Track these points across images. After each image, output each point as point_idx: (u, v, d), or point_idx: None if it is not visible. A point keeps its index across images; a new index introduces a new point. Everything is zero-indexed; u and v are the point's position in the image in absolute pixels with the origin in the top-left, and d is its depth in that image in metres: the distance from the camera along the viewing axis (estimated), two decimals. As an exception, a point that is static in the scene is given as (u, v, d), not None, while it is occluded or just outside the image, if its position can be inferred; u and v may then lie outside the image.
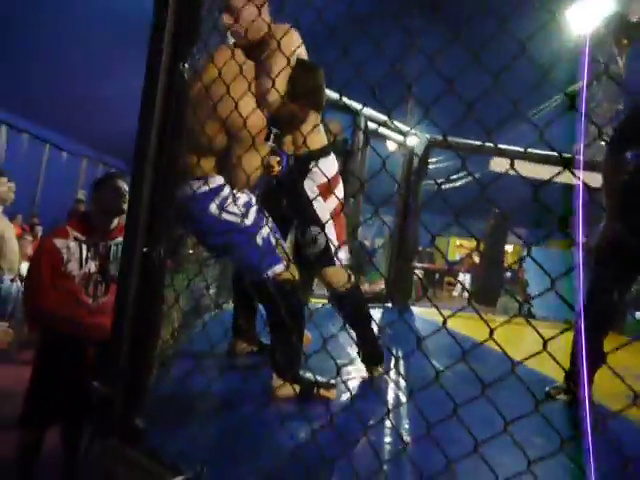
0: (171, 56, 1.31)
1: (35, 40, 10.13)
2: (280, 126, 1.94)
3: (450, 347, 0.93)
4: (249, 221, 1.86)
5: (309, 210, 2.11)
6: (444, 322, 0.90)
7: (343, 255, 2.17)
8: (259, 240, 1.85)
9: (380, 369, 2.25)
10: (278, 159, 1.99)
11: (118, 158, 17.18)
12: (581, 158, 5.03)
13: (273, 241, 1.88)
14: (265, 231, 1.87)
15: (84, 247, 2.50)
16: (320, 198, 2.09)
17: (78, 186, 15.15)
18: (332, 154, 2.22)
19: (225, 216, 1.85)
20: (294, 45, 1.89)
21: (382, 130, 5.21)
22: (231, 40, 2.05)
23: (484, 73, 0.92)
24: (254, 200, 1.93)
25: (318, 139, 2.16)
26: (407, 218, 5.64)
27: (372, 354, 2.24)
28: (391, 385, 2.23)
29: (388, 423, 1.67)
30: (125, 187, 2.62)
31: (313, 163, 2.09)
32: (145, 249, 1.25)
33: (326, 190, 2.11)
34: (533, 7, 0.88)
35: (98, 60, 10.91)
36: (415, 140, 5.64)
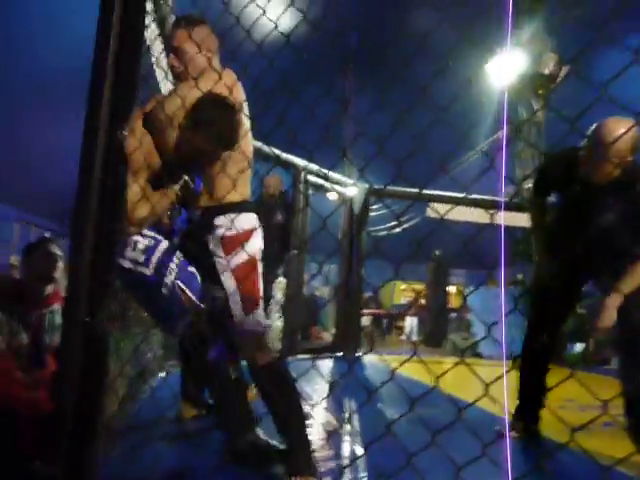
0: (109, 121, 1.32)
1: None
2: (187, 167, 1.88)
3: (402, 392, 0.95)
4: (150, 270, 1.73)
5: (209, 267, 1.85)
6: (392, 372, 0.93)
7: (254, 318, 1.80)
8: (164, 290, 1.73)
9: None
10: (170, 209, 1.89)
11: (48, 219, 16.59)
12: (502, 200, 5.33)
13: (179, 290, 1.74)
14: (170, 279, 1.74)
15: (14, 318, 2.34)
16: (221, 254, 1.82)
17: (10, 251, 14.47)
18: (249, 213, 1.91)
19: (127, 264, 1.73)
20: (216, 81, 1.69)
21: (322, 182, 5.34)
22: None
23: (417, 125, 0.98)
24: (159, 244, 1.81)
25: (234, 192, 1.83)
26: (351, 266, 5.72)
27: (299, 459, 1.72)
28: (347, 439, 2.21)
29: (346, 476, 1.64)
30: (58, 252, 2.52)
31: (219, 218, 1.84)
32: (87, 318, 1.21)
33: (232, 245, 1.82)
34: (455, 60, 0.95)
35: (26, 117, 10.68)
36: (355, 190, 5.80)
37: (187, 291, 1.79)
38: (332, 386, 2.82)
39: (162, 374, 3.24)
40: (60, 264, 2.54)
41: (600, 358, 7.23)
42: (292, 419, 1.75)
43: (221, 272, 1.80)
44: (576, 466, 1.61)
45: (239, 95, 1.87)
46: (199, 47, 1.82)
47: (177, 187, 1.88)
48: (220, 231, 1.82)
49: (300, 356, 4.93)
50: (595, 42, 0.82)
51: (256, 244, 1.87)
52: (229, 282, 1.79)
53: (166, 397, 1.69)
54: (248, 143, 1.94)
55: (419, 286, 15.93)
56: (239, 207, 1.86)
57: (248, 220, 1.87)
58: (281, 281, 5.01)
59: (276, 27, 1.52)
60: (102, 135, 1.30)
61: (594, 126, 2.19)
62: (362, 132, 1.11)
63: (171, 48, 1.93)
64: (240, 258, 1.80)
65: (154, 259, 1.74)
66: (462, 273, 17.48)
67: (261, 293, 1.85)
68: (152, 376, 3.06)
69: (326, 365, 4.79)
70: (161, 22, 2.30)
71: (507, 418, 2.23)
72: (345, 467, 1.73)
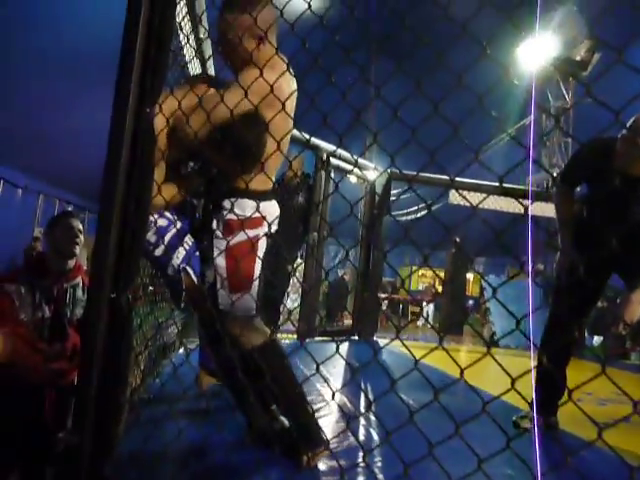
0: (138, 100, 1.33)
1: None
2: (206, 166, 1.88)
3: (421, 379, 0.95)
4: (159, 251, 1.77)
5: (208, 246, 1.85)
6: (416, 362, 0.93)
7: (240, 299, 1.75)
8: (170, 271, 1.78)
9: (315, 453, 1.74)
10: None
11: (73, 193, 16.84)
12: (530, 188, 5.25)
13: (184, 274, 1.78)
14: (176, 262, 1.77)
15: (37, 291, 2.39)
16: (220, 233, 1.82)
17: (34, 224, 14.75)
18: (267, 201, 1.90)
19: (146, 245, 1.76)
20: (266, 87, 1.56)
21: (343, 164, 5.31)
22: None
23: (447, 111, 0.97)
24: (171, 226, 1.83)
25: (256, 179, 1.81)
26: (370, 250, 5.72)
27: (306, 436, 1.74)
28: (366, 425, 2.22)
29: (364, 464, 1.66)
30: (79, 226, 2.56)
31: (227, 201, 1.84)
32: (113, 295, 1.23)
33: (235, 227, 1.80)
34: (484, 46, 0.93)
35: (52, 94, 10.78)
36: (376, 174, 5.76)
37: (192, 275, 1.81)
38: (354, 372, 2.83)
39: (182, 350, 3.29)
40: (81, 238, 2.59)
41: (619, 352, 7.15)
42: (292, 399, 1.76)
43: (216, 250, 1.80)
44: (600, 463, 1.60)
45: (290, 87, 1.77)
46: (266, 32, 1.67)
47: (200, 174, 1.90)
48: (226, 213, 1.81)
49: (318, 338, 4.96)
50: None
51: (262, 231, 1.83)
52: (220, 260, 1.79)
53: (187, 373, 1.70)
54: (287, 143, 1.92)
55: (437, 272, 15.88)
56: (256, 195, 1.84)
57: (263, 208, 1.82)
58: (299, 263, 5.03)
59: (309, 7, 1.50)
60: (131, 113, 1.31)
61: (635, 116, 2.13)
62: (394, 118, 1.09)
63: (222, 38, 1.81)
64: (239, 238, 1.78)
65: (164, 240, 1.77)
66: (482, 261, 17.35)
67: (255, 276, 1.80)
68: (173, 351, 3.12)
69: (344, 348, 4.82)
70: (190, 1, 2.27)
71: (534, 412, 2.21)
72: (364, 454, 1.74)
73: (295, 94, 1.79)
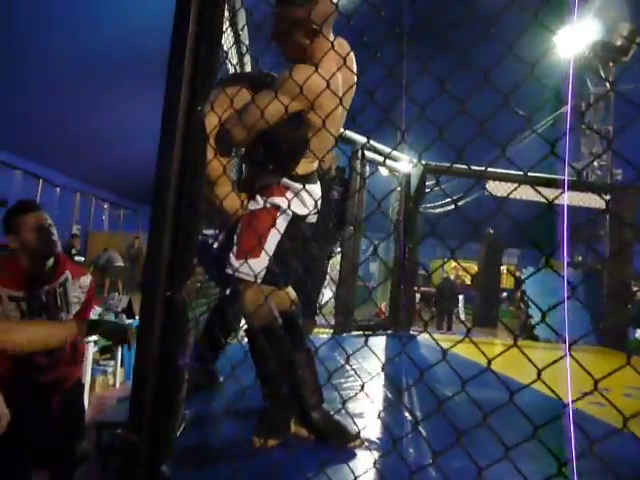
0: (188, 98, 1.33)
1: (25, 75, 10.21)
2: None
3: (455, 372, 0.95)
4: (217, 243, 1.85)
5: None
6: (445, 352, 0.92)
7: (244, 265, 1.72)
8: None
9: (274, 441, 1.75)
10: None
11: (107, 191, 17.22)
12: (565, 178, 5.11)
13: None
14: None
15: (23, 305, 2.09)
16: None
17: (72, 221, 15.12)
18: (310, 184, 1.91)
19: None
20: (316, 87, 1.55)
21: (379, 158, 5.26)
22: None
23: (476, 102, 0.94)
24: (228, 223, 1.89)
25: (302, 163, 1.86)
26: (405, 244, 5.66)
27: (271, 421, 1.75)
28: (398, 415, 2.20)
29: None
30: (48, 218, 2.20)
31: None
32: (168, 293, 1.24)
33: (264, 192, 1.84)
34: (525, 28, 0.90)
35: (88, 93, 11.00)
36: (410, 167, 5.70)
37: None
38: (384, 364, 2.82)
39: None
40: (54, 231, 2.23)
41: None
42: (275, 380, 1.73)
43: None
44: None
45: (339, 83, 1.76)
46: (321, 26, 1.67)
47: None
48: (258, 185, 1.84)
49: (355, 333, 4.96)
50: None
51: (291, 206, 1.78)
52: (239, 227, 1.81)
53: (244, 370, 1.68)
54: (337, 129, 1.90)
55: (468, 264, 15.70)
56: (298, 178, 1.84)
57: (296, 187, 1.84)
58: (336, 258, 5.01)
59: (337, 7, 1.47)
60: (182, 111, 1.31)
61: None
62: (421, 115, 1.07)
63: (278, 30, 1.78)
64: (259, 205, 1.81)
65: (222, 236, 1.84)
66: (516, 252, 17.06)
67: (266, 246, 1.76)
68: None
69: (379, 342, 4.79)
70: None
71: (570, 404, 2.16)
72: (395, 442, 1.72)
73: (353, 89, 1.77)
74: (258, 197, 1.82)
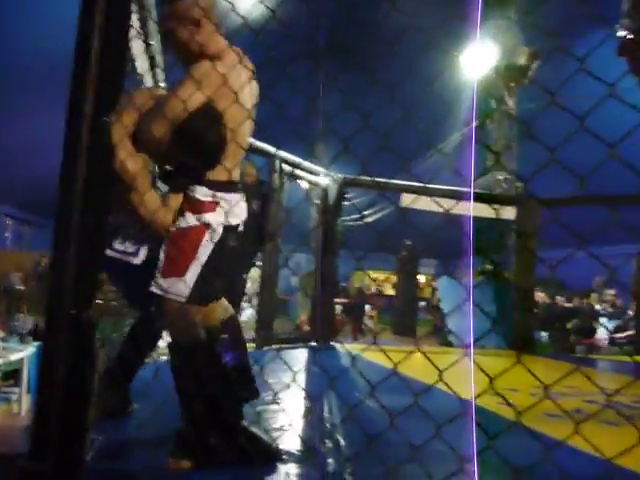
0: (93, 110, 1.28)
1: None
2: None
3: (365, 380, 0.98)
4: (139, 259, 1.78)
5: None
6: (353, 359, 0.94)
7: (169, 284, 1.70)
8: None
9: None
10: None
11: (11, 206, 16.18)
12: (471, 191, 5.41)
13: None
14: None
15: None
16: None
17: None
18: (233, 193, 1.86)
19: (112, 254, 1.77)
20: (214, 80, 1.60)
21: (296, 171, 5.31)
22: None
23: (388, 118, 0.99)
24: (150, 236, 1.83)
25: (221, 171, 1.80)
26: (325, 255, 5.73)
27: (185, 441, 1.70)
28: (310, 424, 2.21)
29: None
30: None
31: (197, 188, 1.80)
32: (74, 312, 1.18)
33: (194, 207, 1.78)
34: (432, 51, 0.96)
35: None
36: (328, 180, 5.79)
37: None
38: (294, 376, 2.82)
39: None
40: None
41: (566, 346, 7.47)
42: (193, 400, 1.70)
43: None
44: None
45: (247, 89, 1.77)
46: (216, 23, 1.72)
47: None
48: (185, 199, 1.78)
49: (275, 346, 4.93)
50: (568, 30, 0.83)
51: (213, 218, 1.76)
52: (166, 244, 1.76)
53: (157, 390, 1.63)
54: (245, 134, 1.87)
55: (386, 276, 16.13)
56: (216, 184, 1.80)
57: (221, 196, 1.80)
58: (255, 272, 4.99)
59: (245, 22, 1.49)
60: (86, 123, 1.26)
61: None
62: (329, 129, 1.11)
63: (186, 20, 1.74)
64: (189, 222, 1.75)
65: (142, 252, 1.77)
66: (432, 263, 17.71)
67: (193, 266, 1.72)
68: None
69: (297, 355, 4.78)
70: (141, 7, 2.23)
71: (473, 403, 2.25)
72: (309, 453, 1.73)
73: (252, 85, 1.78)
74: (188, 213, 1.75)
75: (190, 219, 1.75)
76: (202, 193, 1.76)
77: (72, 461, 1.16)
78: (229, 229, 1.82)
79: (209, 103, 1.68)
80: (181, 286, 1.67)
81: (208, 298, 1.75)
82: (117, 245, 1.75)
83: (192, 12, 1.69)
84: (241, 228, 1.93)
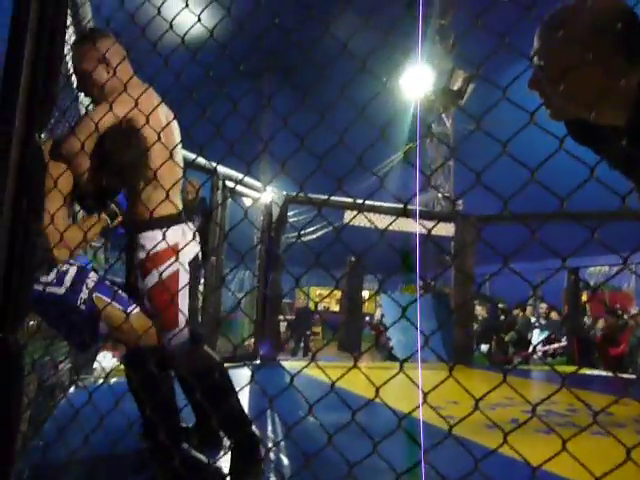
0: (25, 127, 1.24)
1: None
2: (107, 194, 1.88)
3: (303, 397, 0.99)
4: (62, 289, 1.73)
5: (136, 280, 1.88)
6: (292, 379, 0.95)
7: (172, 336, 1.76)
8: (81, 305, 1.73)
9: None
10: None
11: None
12: (417, 208, 5.58)
13: (98, 301, 1.76)
14: (86, 293, 1.74)
15: None
16: (141, 276, 1.83)
17: None
18: (176, 225, 1.87)
19: (36, 286, 1.71)
20: (124, 104, 1.61)
21: (239, 188, 5.30)
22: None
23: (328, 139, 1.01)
24: (72, 267, 1.80)
25: (163, 204, 1.74)
26: (269, 271, 5.72)
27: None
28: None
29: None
30: None
31: (142, 236, 1.83)
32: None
33: (150, 264, 1.80)
34: (371, 74, 0.99)
35: None
36: (272, 196, 5.80)
37: (105, 298, 1.75)
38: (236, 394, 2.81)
39: (72, 389, 3.06)
40: None
41: (504, 359, 7.72)
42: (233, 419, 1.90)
43: (142, 294, 1.84)
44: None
45: (159, 116, 1.80)
46: (108, 65, 1.81)
47: (106, 212, 1.86)
48: (140, 253, 1.82)
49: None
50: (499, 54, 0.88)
51: (181, 258, 1.77)
52: (147, 303, 1.83)
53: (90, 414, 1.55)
54: (177, 157, 1.91)
55: (328, 291, 16.19)
56: (165, 221, 1.83)
57: (173, 234, 1.82)
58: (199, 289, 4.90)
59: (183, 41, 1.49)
60: (16, 140, 1.22)
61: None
62: (266, 149, 1.14)
63: (77, 70, 1.87)
64: (153, 279, 1.80)
65: (67, 278, 1.73)
66: (377, 278, 17.94)
67: (181, 310, 1.81)
68: (63, 391, 2.89)
69: (240, 373, 4.72)
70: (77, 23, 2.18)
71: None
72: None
73: (160, 110, 1.79)
74: (154, 271, 1.78)
75: (155, 276, 1.79)
76: (156, 239, 1.73)
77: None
78: (193, 259, 1.92)
79: (126, 120, 1.73)
80: (179, 336, 1.78)
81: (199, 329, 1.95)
82: (42, 278, 1.69)
83: (95, 53, 1.79)
84: (199, 252, 1.98)
